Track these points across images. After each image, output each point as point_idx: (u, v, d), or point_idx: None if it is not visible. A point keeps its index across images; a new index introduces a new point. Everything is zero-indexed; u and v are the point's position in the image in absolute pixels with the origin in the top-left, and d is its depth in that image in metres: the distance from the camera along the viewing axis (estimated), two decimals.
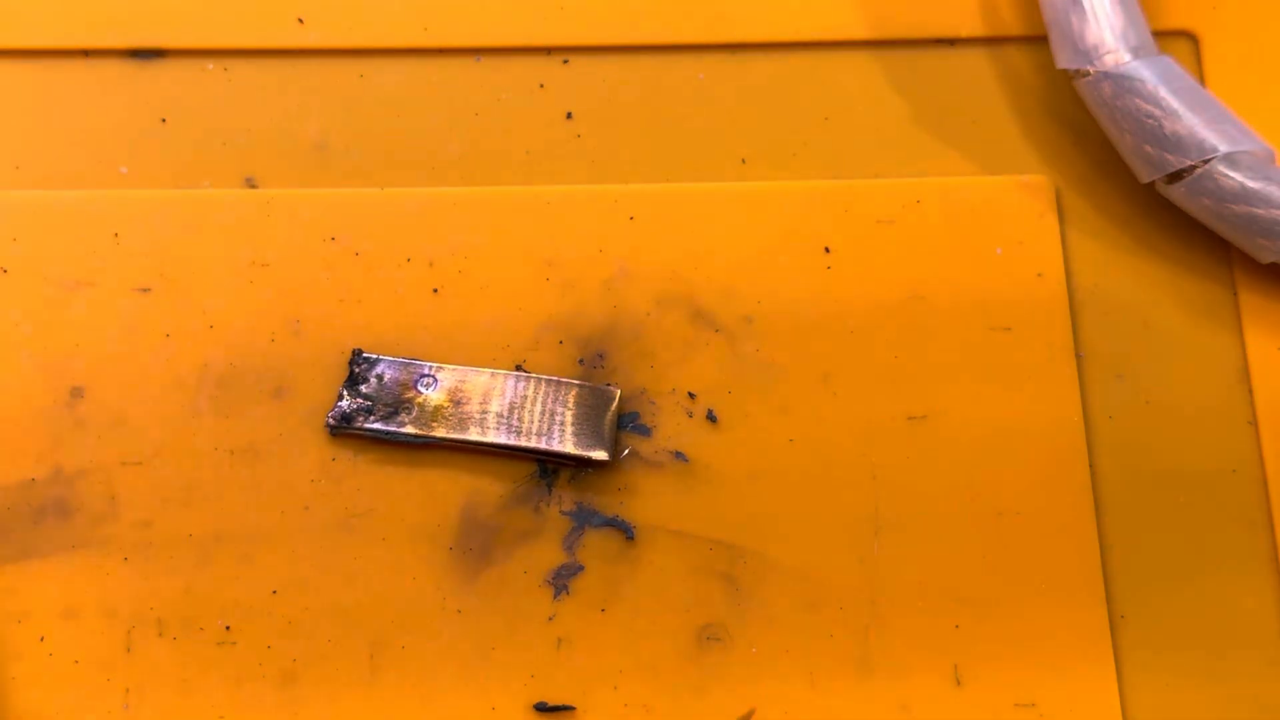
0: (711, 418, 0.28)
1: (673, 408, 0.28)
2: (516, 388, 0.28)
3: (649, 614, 0.27)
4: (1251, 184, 0.28)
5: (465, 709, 0.26)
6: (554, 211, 0.30)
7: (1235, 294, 0.30)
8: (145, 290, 0.28)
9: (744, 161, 0.31)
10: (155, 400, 0.28)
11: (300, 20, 0.31)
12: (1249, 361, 0.29)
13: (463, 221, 0.30)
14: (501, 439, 0.27)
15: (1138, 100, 0.29)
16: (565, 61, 0.32)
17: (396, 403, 0.28)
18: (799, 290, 0.29)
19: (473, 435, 0.27)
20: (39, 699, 0.26)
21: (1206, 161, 0.28)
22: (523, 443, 0.27)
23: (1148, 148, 0.29)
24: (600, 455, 0.27)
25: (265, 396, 0.28)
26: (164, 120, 0.31)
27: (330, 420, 0.28)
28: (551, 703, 0.26)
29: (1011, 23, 0.32)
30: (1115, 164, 0.30)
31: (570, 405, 0.28)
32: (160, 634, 0.27)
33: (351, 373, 0.28)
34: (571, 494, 0.28)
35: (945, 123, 0.31)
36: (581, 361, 0.29)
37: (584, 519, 0.27)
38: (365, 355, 0.28)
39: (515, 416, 0.28)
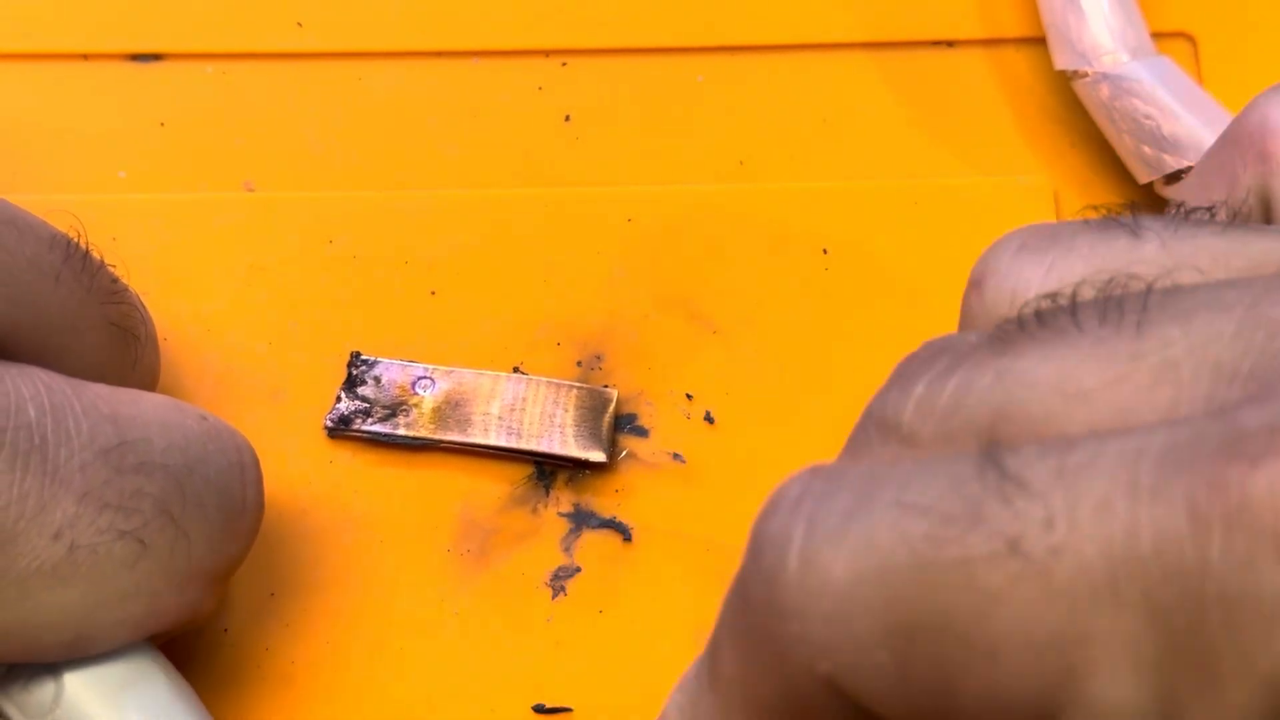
0: (709, 419, 0.28)
1: (670, 409, 0.28)
2: (514, 389, 0.28)
3: (647, 615, 0.27)
4: None
5: (463, 711, 0.26)
6: (552, 214, 0.30)
7: None
8: (143, 294, 0.28)
9: (742, 163, 0.31)
10: None
11: (299, 24, 0.31)
12: None
13: (461, 224, 0.30)
14: (499, 441, 0.27)
15: (1136, 101, 0.29)
16: (563, 64, 0.32)
17: (394, 405, 0.28)
18: (797, 292, 0.29)
19: (470, 437, 0.27)
20: None
21: None
22: (520, 444, 0.27)
23: (1146, 149, 0.29)
24: (598, 457, 0.27)
25: (263, 399, 0.28)
26: (163, 124, 0.31)
27: (328, 422, 0.28)
28: (549, 704, 0.26)
29: (1009, 24, 0.32)
30: (1113, 165, 0.30)
31: (568, 407, 0.28)
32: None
33: (349, 375, 0.28)
34: (569, 495, 0.27)
35: (943, 125, 0.31)
36: (579, 363, 0.29)
37: (582, 520, 0.27)
38: (363, 357, 0.28)
39: (513, 418, 0.28)
